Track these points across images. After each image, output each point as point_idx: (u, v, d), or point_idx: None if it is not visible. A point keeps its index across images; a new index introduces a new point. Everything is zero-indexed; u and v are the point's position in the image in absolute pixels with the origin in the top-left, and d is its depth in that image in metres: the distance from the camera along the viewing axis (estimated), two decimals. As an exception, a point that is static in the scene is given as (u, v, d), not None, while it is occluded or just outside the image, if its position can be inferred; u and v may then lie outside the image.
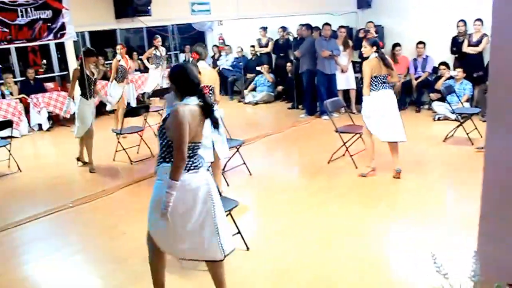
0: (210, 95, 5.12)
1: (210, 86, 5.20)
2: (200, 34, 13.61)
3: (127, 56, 9.23)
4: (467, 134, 7.24)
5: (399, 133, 5.84)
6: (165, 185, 3.01)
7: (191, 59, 5.53)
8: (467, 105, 8.55)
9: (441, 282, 2.17)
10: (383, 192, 5.62)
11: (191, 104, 3.10)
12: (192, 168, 3.12)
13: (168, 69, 5.86)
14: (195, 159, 3.15)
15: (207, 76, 5.15)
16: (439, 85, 8.84)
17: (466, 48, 9.01)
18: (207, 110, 3.15)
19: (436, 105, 9.11)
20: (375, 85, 5.73)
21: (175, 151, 3.00)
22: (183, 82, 3.14)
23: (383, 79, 5.76)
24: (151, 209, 3.17)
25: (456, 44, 9.28)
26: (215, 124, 3.26)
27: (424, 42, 9.67)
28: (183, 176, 3.04)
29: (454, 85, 8.52)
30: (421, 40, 9.68)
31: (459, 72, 8.83)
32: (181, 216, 3.09)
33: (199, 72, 4.11)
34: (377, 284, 3.71)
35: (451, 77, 9.01)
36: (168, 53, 13.36)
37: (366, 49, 5.82)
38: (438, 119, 8.86)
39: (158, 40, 10.26)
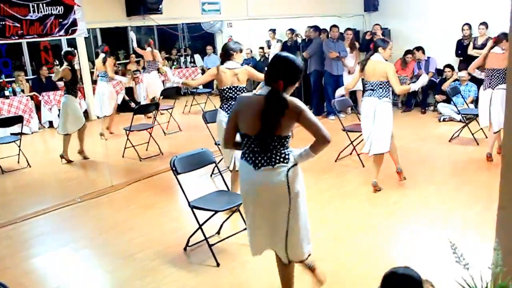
0: None
1: None
2: (210, 36, 13.69)
3: None
4: (473, 134, 7.32)
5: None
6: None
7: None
8: (472, 106, 8.62)
9: (461, 273, 2.13)
10: (390, 190, 5.61)
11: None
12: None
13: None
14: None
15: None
16: (446, 86, 8.90)
17: (471, 51, 9.07)
18: None
19: (441, 107, 9.20)
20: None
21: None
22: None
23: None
24: None
25: (461, 47, 9.35)
26: None
27: (423, 47, 9.73)
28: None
29: (459, 87, 8.60)
30: (420, 46, 9.75)
31: (464, 75, 8.88)
32: None
33: None
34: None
35: (456, 79, 9.08)
36: (178, 54, 13.46)
37: None
38: (443, 120, 8.96)
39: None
